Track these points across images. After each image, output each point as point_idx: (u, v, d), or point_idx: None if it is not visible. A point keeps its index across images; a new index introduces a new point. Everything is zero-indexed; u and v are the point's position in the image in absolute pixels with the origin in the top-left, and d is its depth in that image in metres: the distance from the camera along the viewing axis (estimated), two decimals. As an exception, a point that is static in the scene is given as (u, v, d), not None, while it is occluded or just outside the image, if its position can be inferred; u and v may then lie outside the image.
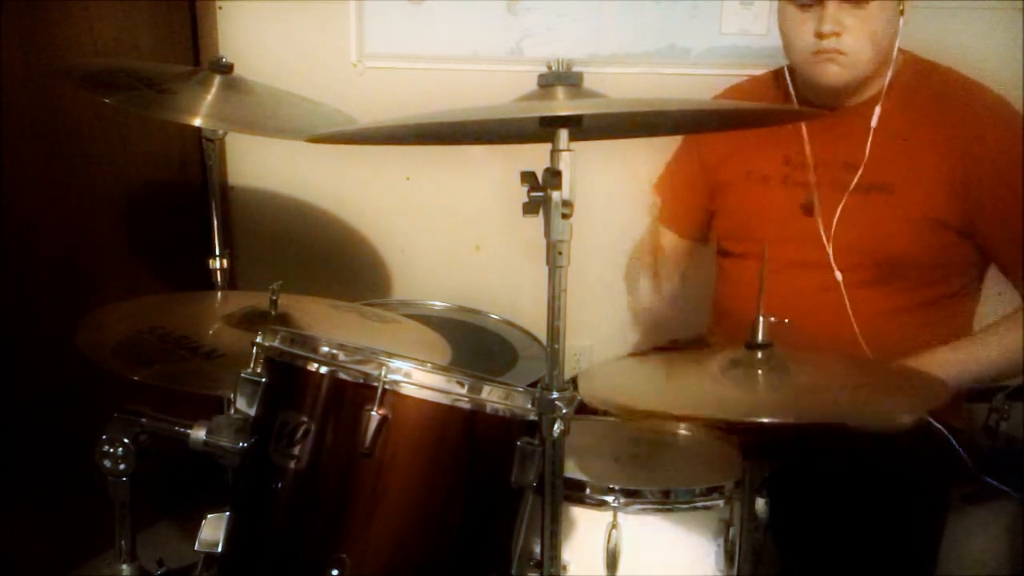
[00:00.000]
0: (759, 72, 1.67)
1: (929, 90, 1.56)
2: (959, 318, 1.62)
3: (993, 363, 1.52)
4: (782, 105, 1.60)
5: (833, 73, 1.51)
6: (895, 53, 1.53)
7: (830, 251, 1.56)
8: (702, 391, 1.25)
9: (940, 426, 1.43)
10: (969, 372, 1.50)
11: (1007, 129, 1.52)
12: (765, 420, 1.11)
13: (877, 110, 1.53)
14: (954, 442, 1.42)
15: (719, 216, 1.75)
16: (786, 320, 1.24)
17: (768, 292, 1.23)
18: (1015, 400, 1.49)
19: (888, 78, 1.54)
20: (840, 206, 1.56)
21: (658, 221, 1.84)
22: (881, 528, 1.40)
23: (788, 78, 1.63)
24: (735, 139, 1.68)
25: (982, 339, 1.56)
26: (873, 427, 1.30)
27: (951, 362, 1.50)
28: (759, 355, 1.23)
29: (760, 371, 1.23)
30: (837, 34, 1.47)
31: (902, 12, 1.49)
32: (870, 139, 1.54)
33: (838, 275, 1.56)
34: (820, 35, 1.48)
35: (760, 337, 1.23)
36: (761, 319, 1.23)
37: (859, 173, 1.54)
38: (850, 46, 1.48)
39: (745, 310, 1.25)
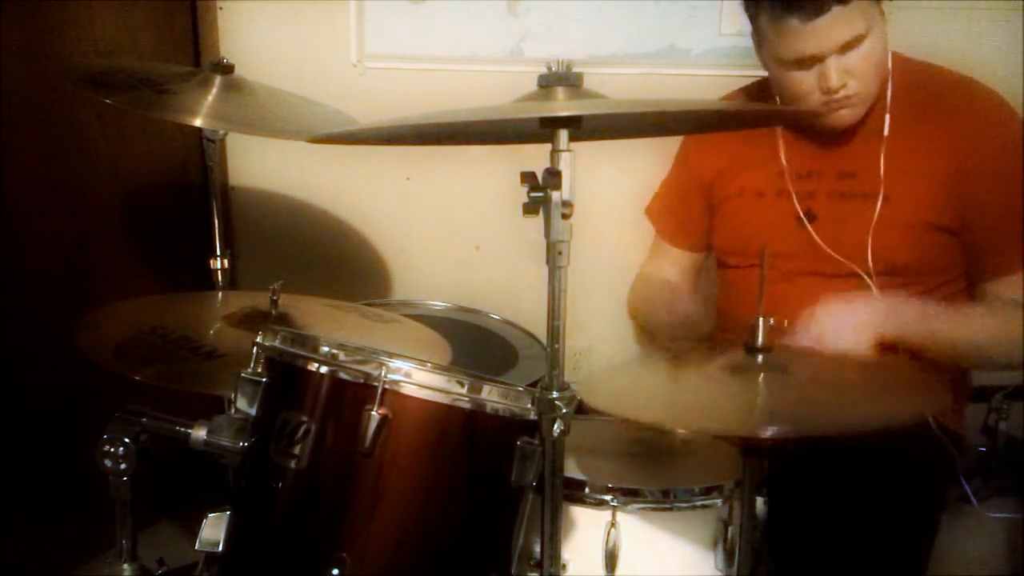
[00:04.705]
0: (759, 72, 1.67)
1: (921, 91, 1.56)
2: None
3: (970, 341, 1.47)
4: (781, 107, 1.59)
5: (847, 116, 1.51)
6: (889, 61, 1.52)
7: (832, 258, 1.56)
8: (703, 401, 1.23)
9: (940, 433, 1.42)
10: (939, 340, 1.45)
11: (1001, 125, 1.52)
12: (767, 435, 1.10)
13: (887, 119, 1.53)
14: (955, 453, 1.42)
15: (717, 232, 1.74)
16: (785, 322, 1.23)
17: (775, 301, 1.23)
18: (1015, 400, 1.49)
19: (889, 87, 1.53)
20: (838, 215, 1.56)
21: (660, 239, 1.82)
22: (876, 527, 1.40)
23: (779, 98, 1.62)
24: (726, 155, 1.68)
25: (969, 313, 1.53)
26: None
27: (930, 322, 1.45)
28: (759, 359, 1.23)
29: (761, 376, 1.22)
30: (844, 84, 1.46)
31: (883, 16, 1.47)
32: (883, 150, 1.53)
33: (840, 283, 1.56)
34: (828, 90, 1.46)
35: (760, 341, 1.22)
36: (761, 322, 1.22)
37: (854, 182, 1.54)
38: (858, 87, 1.47)
39: (751, 318, 1.25)
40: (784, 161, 1.61)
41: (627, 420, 1.25)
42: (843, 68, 1.44)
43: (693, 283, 1.80)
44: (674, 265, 1.79)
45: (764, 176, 1.64)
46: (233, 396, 1.16)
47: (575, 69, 1.06)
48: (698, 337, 1.71)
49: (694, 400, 1.24)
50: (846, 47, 1.43)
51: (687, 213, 1.78)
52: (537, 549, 1.16)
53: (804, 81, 1.48)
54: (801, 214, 1.59)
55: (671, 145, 1.83)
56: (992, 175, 1.50)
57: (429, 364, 1.15)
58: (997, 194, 1.50)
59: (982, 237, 1.53)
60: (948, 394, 1.21)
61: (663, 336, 1.72)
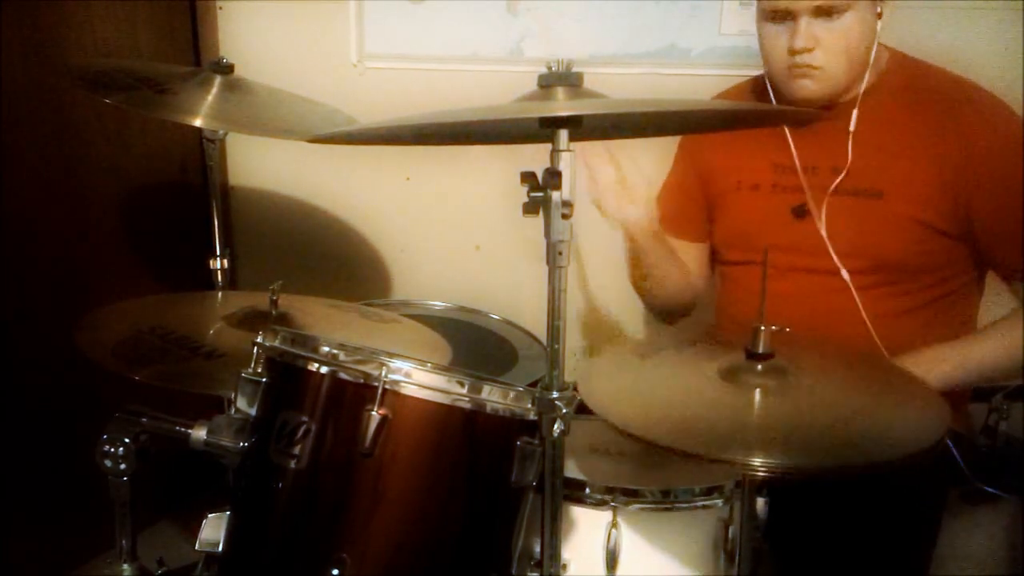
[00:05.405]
0: (759, 72, 1.68)
1: (919, 90, 1.56)
2: (960, 317, 1.62)
3: (994, 362, 1.51)
4: (781, 106, 1.59)
5: (808, 88, 1.52)
6: (873, 56, 1.52)
7: (826, 254, 1.56)
8: (695, 415, 1.18)
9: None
10: (968, 370, 1.50)
11: (1001, 128, 1.52)
12: (758, 463, 1.04)
13: (854, 114, 1.53)
14: (953, 449, 1.42)
15: (716, 226, 1.75)
16: (787, 329, 1.22)
17: (769, 297, 1.22)
18: (1015, 400, 1.49)
19: (866, 82, 1.53)
20: (831, 210, 1.56)
21: (663, 230, 1.82)
22: (877, 528, 1.40)
23: (768, 85, 1.62)
24: (723, 150, 1.69)
25: (982, 337, 1.56)
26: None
27: (951, 360, 1.50)
28: (759, 367, 1.21)
29: (759, 389, 1.19)
30: (810, 49, 1.47)
31: (879, 15, 1.49)
32: (850, 142, 1.54)
33: (836, 280, 1.56)
34: (793, 51, 1.48)
35: (761, 348, 1.21)
36: (763, 329, 1.21)
37: (845, 177, 1.54)
38: (824, 60, 1.48)
39: (748, 314, 1.24)
40: (780, 155, 1.61)
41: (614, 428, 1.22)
42: (813, 33, 1.46)
43: (696, 273, 1.80)
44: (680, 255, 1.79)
45: (760, 170, 1.64)
46: (233, 396, 1.16)
47: (575, 69, 1.06)
48: (674, 309, 1.79)
49: (685, 413, 1.19)
50: (820, 11, 1.45)
51: (688, 204, 1.78)
52: (537, 549, 1.16)
53: (777, 37, 1.50)
54: (795, 209, 1.59)
55: (672, 144, 1.83)
56: (992, 176, 1.50)
57: (429, 364, 1.15)
58: (998, 195, 1.50)
59: (984, 238, 1.53)
60: (951, 411, 1.19)
61: (645, 297, 1.79)
